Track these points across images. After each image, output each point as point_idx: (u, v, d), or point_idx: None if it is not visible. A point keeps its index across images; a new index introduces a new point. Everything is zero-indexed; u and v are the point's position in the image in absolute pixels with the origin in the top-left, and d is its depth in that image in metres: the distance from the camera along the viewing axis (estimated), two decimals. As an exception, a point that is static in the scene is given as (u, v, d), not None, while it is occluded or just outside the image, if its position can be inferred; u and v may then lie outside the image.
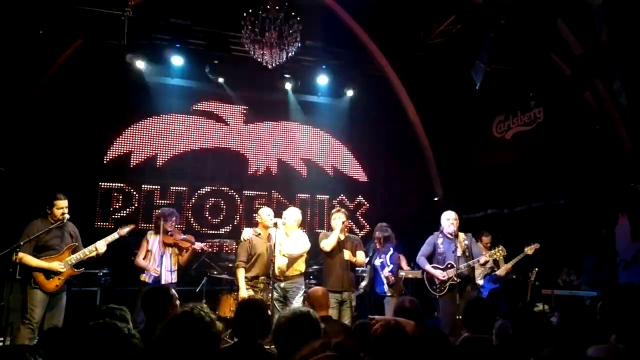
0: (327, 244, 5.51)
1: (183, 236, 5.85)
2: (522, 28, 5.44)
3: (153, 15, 7.51)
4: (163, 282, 5.44)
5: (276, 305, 5.28)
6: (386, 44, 8.55)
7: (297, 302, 5.33)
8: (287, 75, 8.46)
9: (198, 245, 5.79)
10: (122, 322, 2.60)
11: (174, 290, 3.30)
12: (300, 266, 5.59)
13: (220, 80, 8.33)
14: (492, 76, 5.92)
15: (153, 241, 5.67)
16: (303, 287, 5.56)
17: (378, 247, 6.68)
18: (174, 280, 5.62)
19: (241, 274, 5.41)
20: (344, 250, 5.51)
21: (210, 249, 6.22)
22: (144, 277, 5.53)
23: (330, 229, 5.77)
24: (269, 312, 5.04)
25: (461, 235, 5.71)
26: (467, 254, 5.57)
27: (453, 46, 7.58)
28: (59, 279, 4.81)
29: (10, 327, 4.86)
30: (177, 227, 5.98)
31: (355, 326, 3.67)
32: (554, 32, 6.00)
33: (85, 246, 5.09)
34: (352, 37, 8.50)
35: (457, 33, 7.36)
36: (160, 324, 2.86)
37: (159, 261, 5.53)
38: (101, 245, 5.04)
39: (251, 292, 5.34)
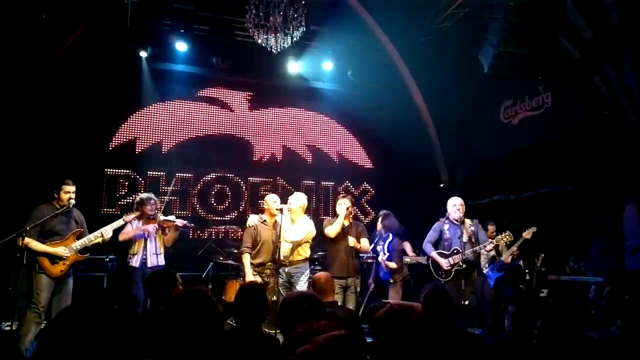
0: (332, 230, 5.50)
1: (164, 217, 5.81)
2: (531, 10, 5.34)
3: (157, 0, 7.44)
4: (149, 265, 5.41)
5: (281, 290, 5.30)
6: (392, 29, 8.44)
7: (301, 287, 5.34)
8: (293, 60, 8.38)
9: (180, 222, 5.76)
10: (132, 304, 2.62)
11: (175, 274, 3.32)
12: (305, 251, 5.59)
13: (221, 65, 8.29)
14: (500, 60, 5.83)
15: (136, 233, 5.53)
16: (307, 271, 5.55)
17: (383, 233, 6.70)
18: (162, 262, 5.58)
19: (246, 259, 5.41)
20: (349, 237, 5.50)
21: (192, 226, 6.20)
22: (131, 262, 5.48)
23: (335, 215, 5.76)
24: (275, 298, 5.09)
25: (467, 221, 5.69)
26: (473, 240, 5.54)
27: (461, 30, 7.46)
28: (64, 264, 4.84)
29: (18, 311, 4.92)
30: (157, 211, 5.90)
31: (369, 309, 3.70)
32: (564, 15, 5.89)
33: (90, 232, 5.11)
34: (358, 22, 8.39)
35: (465, 17, 7.24)
36: (163, 306, 2.89)
37: (143, 245, 5.49)
38: (107, 231, 5.06)
39: (258, 278, 5.36)
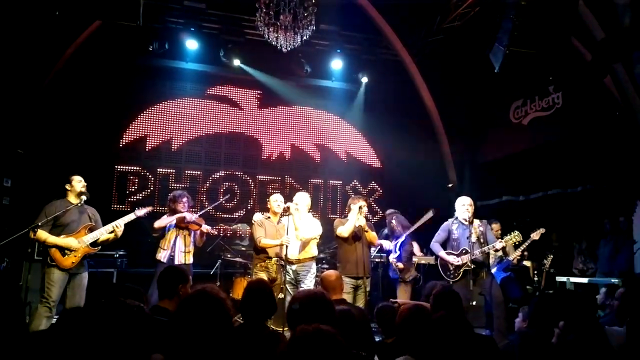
0: (344, 230, 5.50)
1: (193, 216, 5.86)
2: (543, 10, 5.30)
3: (168, -1, 7.49)
4: (176, 262, 5.51)
5: (288, 288, 5.34)
6: (402, 28, 8.43)
7: (307, 285, 5.38)
8: (302, 60, 8.41)
9: (205, 228, 5.85)
10: (136, 299, 2.64)
11: (188, 272, 3.35)
12: (312, 250, 5.63)
13: (237, 62, 8.29)
14: (511, 60, 5.80)
15: (170, 220, 5.73)
16: (314, 270, 5.60)
17: (397, 233, 6.67)
18: (189, 261, 5.69)
19: (265, 241, 5.51)
20: (363, 223, 5.51)
21: (215, 233, 6.28)
22: (159, 257, 5.60)
23: (343, 214, 5.78)
24: (282, 295, 5.12)
25: (476, 221, 5.66)
26: (481, 240, 5.51)
27: (471, 30, 7.43)
28: (75, 256, 4.87)
29: (29, 306, 4.97)
30: (190, 210, 6.01)
31: (378, 309, 3.71)
32: (575, 14, 5.84)
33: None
34: (368, 21, 8.39)
35: (475, 16, 7.21)
36: (169, 301, 2.92)
37: (172, 242, 5.61)
38: (119, 224, 5.11)
39: (264, 275, 5.40)
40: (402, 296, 6.25)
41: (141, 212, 5.36)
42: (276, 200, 5.73)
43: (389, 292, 6.66)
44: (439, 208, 6.83)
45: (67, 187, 5.01)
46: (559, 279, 6.77)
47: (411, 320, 2.49)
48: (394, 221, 6.75)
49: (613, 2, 5.96)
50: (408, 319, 2.49)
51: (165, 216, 5.79)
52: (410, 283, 6.48)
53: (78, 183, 5.02)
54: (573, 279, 6.69)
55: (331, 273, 4.09)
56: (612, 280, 5.97)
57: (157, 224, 5.68)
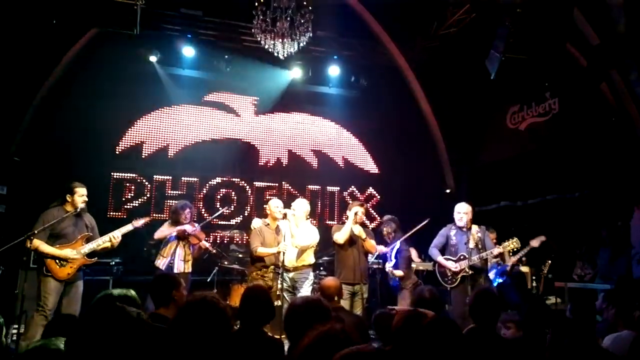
0: (340, 236, 5.50)
1: (194, 229, 5.85)
2: (538, 17, 5.34)
3: (164, 6, 7.51)
4: (175, 270, 5.51)
5: (285, 295, 5.32)
6: (398, 34, 8.46)
7: (304, 292, 5.37)
8: (298, 65, 8.43)
9: (203, 245, 5.86)
10: (133, 305, 2.61)
11: (181, 279, 3.33)
12: (309, 257, 5.62)
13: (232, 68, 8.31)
14: (507, 66, 5.83)
15: (171, 231, 5.74)
16: (311, 277, 5.61)
17: (388, 241, 6.66)
18: (188, 270, 5.68)
19: (261, 250, 5.43)
20: (360, 239, 5.49)
21: (214, 251, 6.28)
22: (157, 264, 5.59)
23: (340, 221, 5.79)
24: (279, 302, 5.10)
25: (474, 227, 5.67)
26: (479, 246, 5.52)
27: (467, 36, 7.47)
28: (71, 267, 4.85)
29: (25, 314, 4.93)
30: (192, 222, 5.99)
31: (376, 316, 3.70)
32: (570, 21, 5.88)
33: (100, 236, 5.12)
34: (364, 27, 8.42)
35: (471, 22, 7.25)
36: (165, 308, 2.90)
37: (173, 250, 5.60)
38: (116, 236, 5.08)
39: (261, 283, 5.38)
40: (403, 304, 6.21)
41: (139, 222, 5.36)
42: (277, 207, 5.67)
43: (387, 299, 6.64)
44: (435, 216, 6.82)
45: (68, 197, 4.92)
46: (558, 284, 6.76)
47: (404, 327, 2.49)
48: (385, 229, 6.73)
49: (607, 8, 6.01)
50: (401, 326, 2.49)
51: (165, 226, 5.78)
52: (411, 290, 6.43)
53: (79, 197, 4.92)
54: (570, 284, 6.68)
55: (330, 284, 4.05)
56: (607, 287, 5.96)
57: (157, 234, 5.71)
